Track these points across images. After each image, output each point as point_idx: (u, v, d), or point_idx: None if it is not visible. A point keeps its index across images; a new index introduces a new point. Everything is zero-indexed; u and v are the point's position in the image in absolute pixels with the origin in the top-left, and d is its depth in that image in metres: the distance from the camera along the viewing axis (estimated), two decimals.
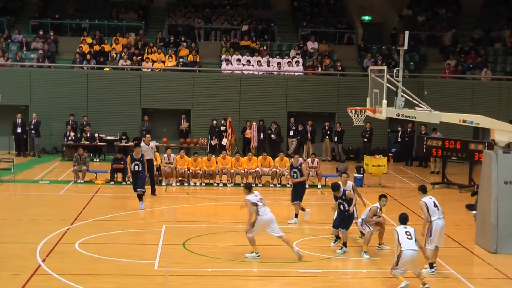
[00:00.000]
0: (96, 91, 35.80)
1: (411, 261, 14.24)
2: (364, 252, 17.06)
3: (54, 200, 23.65)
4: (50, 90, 35.56)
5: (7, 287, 13.87)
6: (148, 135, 26.87)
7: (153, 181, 25.16)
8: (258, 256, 16.50)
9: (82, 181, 27.38)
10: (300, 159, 22.07)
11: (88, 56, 37.31)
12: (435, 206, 16.15)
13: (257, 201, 16.36)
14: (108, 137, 34.48)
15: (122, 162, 27.36)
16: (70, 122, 34.36)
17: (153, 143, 26.03)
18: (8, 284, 14.09)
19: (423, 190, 16.81)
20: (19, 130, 34.31)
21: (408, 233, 14.40)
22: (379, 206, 17.43)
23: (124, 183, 27.19)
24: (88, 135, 34.03)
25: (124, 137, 34.34)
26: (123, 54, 37.75)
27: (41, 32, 39.21)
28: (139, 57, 37.73)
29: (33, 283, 14.36)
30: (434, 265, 15.93)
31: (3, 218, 21.13)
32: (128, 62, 37.33)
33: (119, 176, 27.61)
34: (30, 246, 17.16)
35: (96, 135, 34.14)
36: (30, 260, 15.95)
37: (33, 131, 34.57)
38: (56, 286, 14.27)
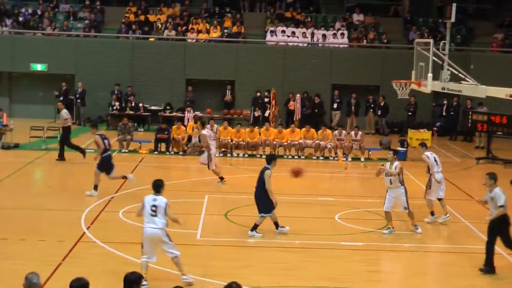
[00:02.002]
0: (141, 61, 36.01)
1: None
2: (415, 226, 16.93)
3: None
4: (96, 60, 35.88)
5: (53, 253, 14.11)
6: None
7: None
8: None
9: (126, 151, 27.67)
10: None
11: (134, 26, 37.50)
12: (435, 160, 17.74)
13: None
14: (152, 107, 34.72)
15: (166, 132, 27.56)
16: (115, 92, 34.66)
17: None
18: (54, 251, 14.34)
19: (423, 145, 18.96)
20: (62, 99, 34.75)
21: None
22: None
23: (167, 153, 27.41)
24: (133, 105, 34.32)
25: (168, 107, 34.55)
26: (168, 24, 37.86)
27: (87, 2, 39.47)
28: (184, 28, 37.81)
29: (77, 249, 14.60)
30: (433, 213, 17.76)
31: (49, 186, 21.52)
32: (173, 32, 37.42)
33: (162, 146, 27.84)
34: (75, 214, 17.43)
35: (141, 105, 34.40)
36: (75, 228, 16.21)
37: (78, 100, 34.97)
38: (99, 253, 14.50)
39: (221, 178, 22.25)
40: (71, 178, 22.49)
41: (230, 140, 27.86)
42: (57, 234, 15.65)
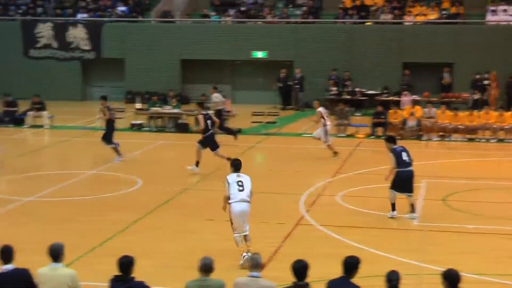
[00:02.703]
0: (358, 46, 36.14)
1: None
2: None
3: (318, 153, 24.27)
4: (314, 46, 36.48)
5: (273, 235, 14.61)
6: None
7: None
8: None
9: (343, 135, 27.99)
10: None
11: (350, 11, 37.71)
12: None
13: None
14: (369, 92, 34.78)
15: (383, 117, 27.56)
16: (333, 77, 35.08)
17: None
18: (274, 233, 14.86)
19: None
20: (281, 84, 35.71)
21: None
22: None
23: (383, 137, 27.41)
24: (350, 89, 34.58)
25: (385, 90, 34.47)
26: (384, 8, 37.67)
27: None
28: (400, 11, 37.44)
29: (297, 232, 15.04)
30: None
31: (269, 169, 22.27)
32: (389, 16, 37.20)
33: (379, 131, 27.85)
34: (294, 197, 17.92)
35: (357, 89, 34.59)
36: (294, 211, 16.69)
37: (296, 86, 35.79)
38: (319, 236, 14.80)
39: (335, 153, 23.05)
40: (291, 162, 23.02)
41: (448, 124, 27.34)
42: (277, 216, 16.22)
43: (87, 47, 38.39)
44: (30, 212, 16.56)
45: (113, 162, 22.03)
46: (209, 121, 20.93)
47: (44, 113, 29.74)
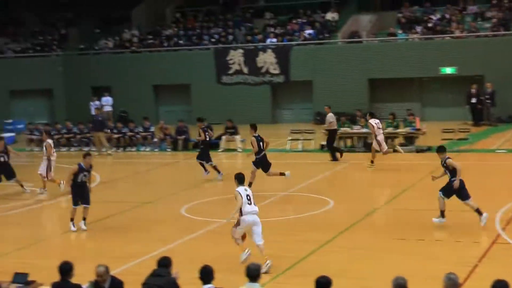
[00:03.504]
0: None
1: None
2: None
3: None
4: (505, 59, 35.34)
5: (469, 254, 14.32)
6: None
7: None
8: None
9: None
10: None
11: None
12: None
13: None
14: None
15: None
16: None
17: None
18: (470, 252, 14.55)
19: None
20: (474, 100, 34.81)
21: None
22: None
23: None
24: None
25: None
26: None
27: (494, 1, 39.07)
28: None
29: (493, 251, 14.61)
30: None
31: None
32: None
33: None
34: (489, 215, 17.27)
35: None
36: (490, 229, 16.12)
37: (488, 101, 34.77)
38: None
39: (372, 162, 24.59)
40: (484, 178, 22.29)
41: None
42: (472, 234, 15.82)
43: (276, 71, 39.56)
44: (227, 232, 17.20)
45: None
46: (261, 143, 21.46)
47: (237, 137, 30.82)
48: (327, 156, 27.57)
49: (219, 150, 30.70)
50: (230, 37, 42.08)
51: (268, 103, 40.08)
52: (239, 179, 14.28)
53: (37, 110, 43.37)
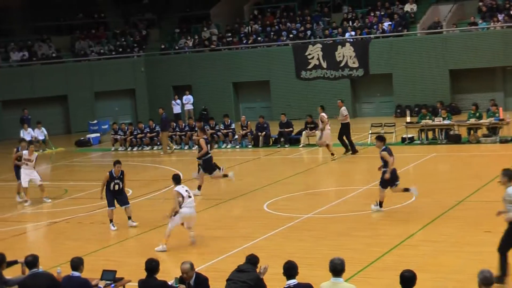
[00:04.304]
0: None
1: None
2: None
3: None
4: None
5: None
6: None
7: None
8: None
9: None
10: None
11: None
12: None
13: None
14: None
15: None
16: None
17: None
18: None
19: None
20: None
21: None
22: None
23: None
24: None
25: None
26: None
27: None
28: None
29: None
30: None
31: None
32: None
33: None
34: None
35: None
36: None
37: None
38: None
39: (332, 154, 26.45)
40: None
41: None
42: None
43: (355, 65, 39.37)
44: (309, 228, 17.32)
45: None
46: (209, 145, 22.31)
47: (317, 132, 30.82)
48: (409, 149, 27.38)
49: (300, 146, 30.78)
50: (308, 32, 42.07)
51: (348, 97, 39.86)
52: (176, 179, 16.06)
53: (121, 110, 44.30)
